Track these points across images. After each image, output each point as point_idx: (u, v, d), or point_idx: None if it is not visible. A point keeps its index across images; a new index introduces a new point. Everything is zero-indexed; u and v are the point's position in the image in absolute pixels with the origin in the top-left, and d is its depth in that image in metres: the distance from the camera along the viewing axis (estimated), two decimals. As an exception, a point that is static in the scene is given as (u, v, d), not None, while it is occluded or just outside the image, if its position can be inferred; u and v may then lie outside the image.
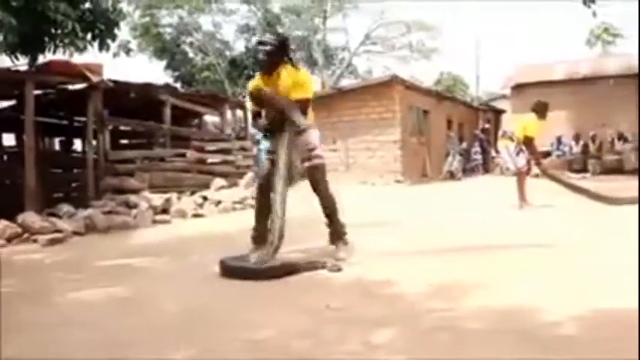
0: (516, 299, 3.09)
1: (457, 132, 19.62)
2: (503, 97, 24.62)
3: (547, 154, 18.73)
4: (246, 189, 9.86)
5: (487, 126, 22.67)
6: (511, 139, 8.29)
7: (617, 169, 16.96)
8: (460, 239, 5.21)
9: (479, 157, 19.39)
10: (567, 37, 56.73)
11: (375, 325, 2.76)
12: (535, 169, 8.66)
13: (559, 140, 18.83)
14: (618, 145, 17.90)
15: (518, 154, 8.20)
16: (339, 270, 4.00)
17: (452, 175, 17.09)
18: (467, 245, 4.83)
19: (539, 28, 52.36)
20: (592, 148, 18.30)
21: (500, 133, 8.60)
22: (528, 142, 8.13)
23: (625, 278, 3.43)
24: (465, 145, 19.32)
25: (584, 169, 17.45)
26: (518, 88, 20.94)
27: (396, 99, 15.29)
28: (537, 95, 19.80)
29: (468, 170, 18.62)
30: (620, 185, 11.79)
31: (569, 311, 2.78)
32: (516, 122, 8.85)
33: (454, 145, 17.98)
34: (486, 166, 19.56)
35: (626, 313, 2.74)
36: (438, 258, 4.35)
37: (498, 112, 25.12)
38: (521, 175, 8.19)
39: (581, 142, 18.41)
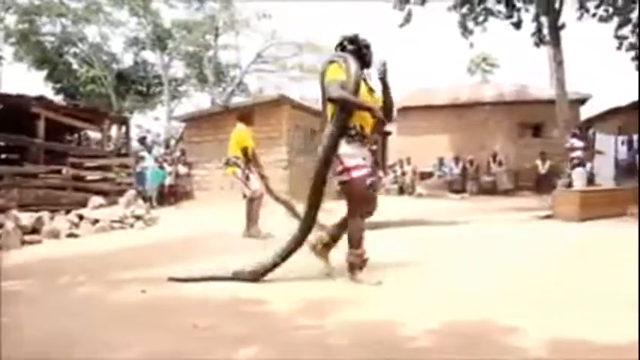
0: (379, 315, 3.22)
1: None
2: (390, 119, 25.58)
3: (429, 175, 19.71)
4: (126, 207, 9.52)
5: (374, 147, 23.35)
6: (236, 164, 7.56)
7: (492, 190, 18.19)
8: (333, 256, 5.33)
9: (365, 176, 19.91)
10: (454, 65, 60.26)
11: (240, 342, 2.79)
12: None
13: (440, 162, 19.83)
14: (493, 167, 19.13)
15: (248, 177, 7.50)
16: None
17: (339, 195, 17.44)
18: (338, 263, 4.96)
19: (428, 54, 55.14)
20: (470, 169, 19.40)
21: (222, 161, 7.93)
22: (246, 152, 7.54)
23: (472, 292, 3.73)
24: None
25: (463, 190, 18.49)
26: (404, 111, 21.88)
27: (284, 118, 15.43)
28: (421, 118, 21.04)
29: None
30: (495, 205, 12.65)
31: (425, 324, 2.96)
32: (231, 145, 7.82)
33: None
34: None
35: (470, 324, 2.99)
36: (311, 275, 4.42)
37: (385, 134, 26.04)
38: (256, 200, 7.51)
39: (461, 164, 19.48)
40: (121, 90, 29.28)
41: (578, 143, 12.13)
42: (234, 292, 3.90)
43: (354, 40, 4.25)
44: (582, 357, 2.51)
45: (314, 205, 4.15)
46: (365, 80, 4.18)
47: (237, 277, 4.19)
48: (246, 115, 8.02)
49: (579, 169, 11.83)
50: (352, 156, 4.01)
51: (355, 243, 4.14)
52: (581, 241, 6.43)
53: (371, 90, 4.27)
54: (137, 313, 3.53)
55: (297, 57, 30.42)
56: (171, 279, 4.27)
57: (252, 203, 7.48)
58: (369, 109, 3.97)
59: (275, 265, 4.19)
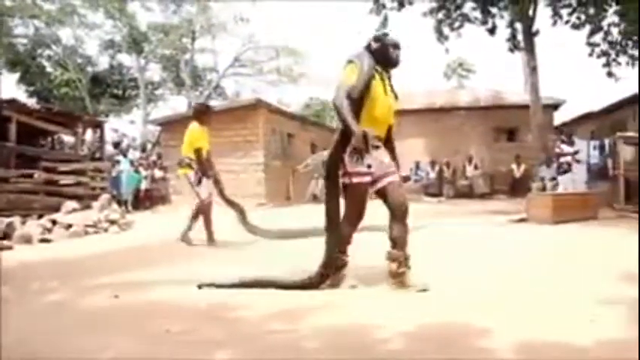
0: (354, 319, 3.22)
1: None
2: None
3: (406, 179, 19.79)
4: (100, 212, 9.40)
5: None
6: (190, 166, 6.97)
7: (468, 194, 18.33)
8: (311, 261, 5.32)
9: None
10: (430, 70, 60.65)
11: (213, 346, 2.78)
12: None
13: (417, 166, 19.90)
14: (469, 171, 19.29)
15: (200, 182, 6.92)
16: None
17: (315, 198, 17.42)
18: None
19: (405, 59, 55.27)
20: (447, 173, 19.53)
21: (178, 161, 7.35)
22: (199, 155, 6.88)
23: (448, 294, 3.77)
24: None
25: (439, 194, 18.61)
26: (380, 115, 21.92)
27: (260, 122, 15.43)
28: (397, 123, 21.17)
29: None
30: (471, 208, 12.74)
31: (400, 327, 2.97)
32: (184, 145, 7.19)
33: (318, 169, 18.36)
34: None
35: (446, 326, 3.03)
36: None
37: (362, 138, 26.11)
38: (207, 207, 6.99)
39: (437, 168, 19.60)
40: (96, 93, 28.96)
41: (568, 149, 12.35)
42: (209, 298, 3.87)
43: (379, 38, 4.12)
44: (555, 357, 2.55)
45: (331, 212, 4.00)
46: (384, 80, 4.06)
47: (274, 285, 4.09)
48: (200, 112, 7.22)
49: (568, 175, 12.07)
50: (354, 162, 3.87)
51: (342, 247, 4.09)
52: (554, 244, 6.52)
53: (389, 91, 4.11)
54: (109, 318, 3.49)
55: (274, 61, 30.42)
56: (201, 285, 4.13)
57: (202, 210, 6.99)
58: (350, 132, 3.75)
59: (321, 278, 4.05)
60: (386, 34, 4.16)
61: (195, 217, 7.03)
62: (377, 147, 3.99)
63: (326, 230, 4.03)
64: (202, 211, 6.98)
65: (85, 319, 3.47)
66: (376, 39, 4.11)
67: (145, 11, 29.04)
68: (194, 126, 6.99)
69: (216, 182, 7.20)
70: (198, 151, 6.84)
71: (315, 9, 52.33)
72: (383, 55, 4.06)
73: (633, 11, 13.95)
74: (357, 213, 4.05)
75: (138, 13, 28.96)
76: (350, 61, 3.98)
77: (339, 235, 4.02)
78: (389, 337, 2.84)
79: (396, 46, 4.13)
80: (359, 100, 3.83)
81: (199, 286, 4.12)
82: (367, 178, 3.95)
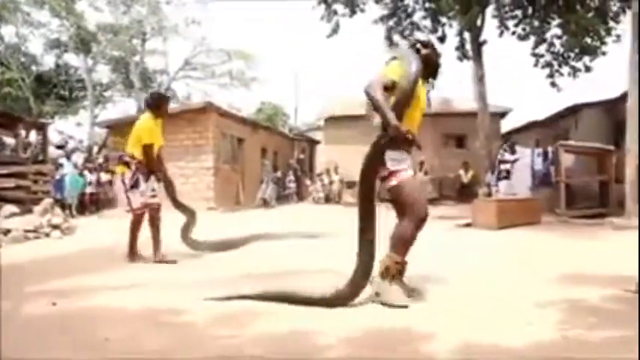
0: (299, 325, 3.20)
1: (272, 160, 20.06)
2: (319, 128, 25.83)
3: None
4: (41, 216, 9.08)
5: (302, 156, 23.51)
6: (127, 164, 5.80)
7: (417, 199, 18.55)
8: (259, 267, 5.30)
9: (293, 185, 19.97)
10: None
11: (155, 355, 2.74)
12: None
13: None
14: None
15: (136, 182, 5.76)
16: None
17: (265, 203, 17.37)
18: (262, 273, 4.93)
19: (357, 64, 55.86)
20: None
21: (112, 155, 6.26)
22: (147, 152, 5.74)
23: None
24: (279, 173, 19.79)
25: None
26: (332, 120, 22.07)
27: (210, 126, 15.25)
28: (348, 128, 21.31)
29: (282, 198, 19.08)
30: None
31: (345, 333, 2.98)
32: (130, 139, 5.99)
33: (268, 174, 18.33)
34: (300, 195, 20.22)
35: (390, 332, 3.03)
36: (233, 286, 4.35)
37: (313, 143, 26.21)
38: (137, 217, 5.87)
39: (387, 173, 19.78)
40: (41, 93, 28.07)
41: (509, 157, 12.91)
42: (151, 304, 3.79)
43: (427, 44, 4.02)
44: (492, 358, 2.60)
45: (363, 221, 3.77)
46: (423, 84, 3.96)
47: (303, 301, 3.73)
48: (156, 102, 5.98)
49: (506, 181, 12.60)
50: (397, 160, 3.71)
51: (400, 249, 3.77)
52: (497, 248, 6.67)
53: (425, 94, 4.02)
54: (47, 326, 3.38)
55: (226, 64, 30.23)
56: (207, 299, 3.82)
57: (133, 220, 5.92)
58: (387, 124, 3.51)
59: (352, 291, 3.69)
60: (431, 40, 4.14)
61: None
62: (412, 150, 3.80)
63: (359, 240, 3.77)
64: (133, 221, 5.91)
65: (21, 329, 3.35)
66: (424, 44, 4.02)
67: (93, 11, 28.39)
68: (147, 118, 5.85)
69: (168, 185, 6.34)
70: (149, 148, 5.73)
71: (267, 13, 52.30)
72: (431, 61, 3.94)
73: (574, 24, 14.45)
74: (417, 208, 3.74)
75: (86, 12, 28.29)
76: (394, 58, 3.84)
77: (373, 244, 3.75)
78: (332, 344, 2.84)
79: (439, 55, 4.07)
80: (405, 99, 3.65)
81: (205, 299, 3.81)
82: (410, 172, 3.76)
